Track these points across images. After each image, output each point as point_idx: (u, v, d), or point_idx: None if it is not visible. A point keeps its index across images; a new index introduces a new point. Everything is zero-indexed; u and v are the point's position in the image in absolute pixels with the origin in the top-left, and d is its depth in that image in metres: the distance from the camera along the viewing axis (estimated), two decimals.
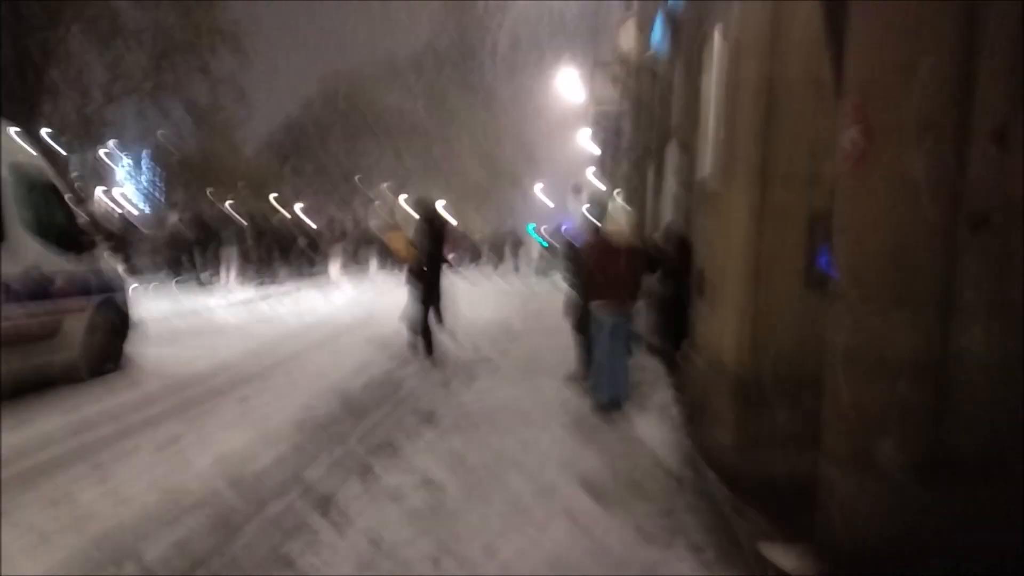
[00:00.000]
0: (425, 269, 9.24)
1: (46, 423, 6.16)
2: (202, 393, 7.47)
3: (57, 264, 7.22)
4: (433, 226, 9.49)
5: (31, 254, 6.90)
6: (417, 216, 9.73)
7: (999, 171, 3.09)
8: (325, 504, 4.66)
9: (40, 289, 6.97)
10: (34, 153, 7.62)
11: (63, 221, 7.55)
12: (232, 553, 3.98)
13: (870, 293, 3.19)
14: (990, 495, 3.12)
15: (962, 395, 3.13)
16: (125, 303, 8.50)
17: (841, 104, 3.34)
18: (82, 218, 8.26)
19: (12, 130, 7.62)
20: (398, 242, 26.53)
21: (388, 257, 26.76)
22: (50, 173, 7.66)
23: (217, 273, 18.99)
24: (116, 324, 8.23)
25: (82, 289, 7.62)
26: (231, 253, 18.87)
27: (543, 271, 27.20)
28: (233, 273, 18.89)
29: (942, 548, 3.09)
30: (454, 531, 4.23)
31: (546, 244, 29.26)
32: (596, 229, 7.69)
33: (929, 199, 3.09)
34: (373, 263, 26.82)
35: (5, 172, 6.71)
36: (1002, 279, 3.08)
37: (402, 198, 49.47)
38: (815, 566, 3.38)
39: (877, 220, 3.17)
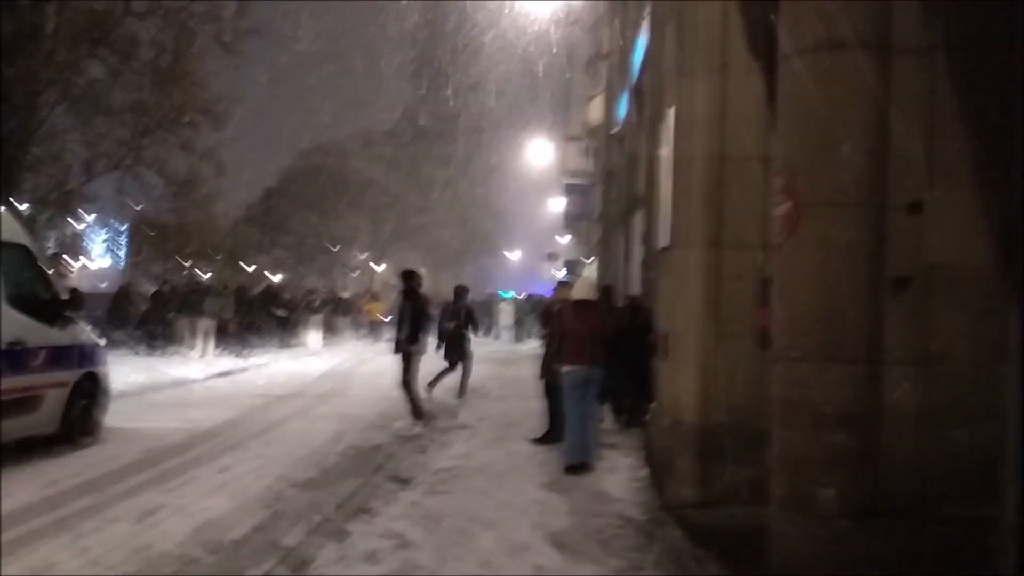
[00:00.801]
0: (412, 338, 9.59)
1: (26, 495, 6.22)
2: (181, 464, 7.56)
3: (40, 337, 7.38)
4: (418, 297, 9.87)
5: (15, 328, 7.07)
6: (402, 286, 10.16)
7: (916, 238, 3.43)
8: (303, 568, 4.79)
9: (23, 363, 7.12)
10: (19, 229, 7.83)
11: (45, 295, 7.73)
12: None
13: (806, 351, 3.49)
14: (924, 538, 3.36)
15: (895, 444, 3.41)
16: (105, 375, 8.63)
17: (773, 181, 3.70)
18: (63, 291, 8.43)
19: None
20: (374, 310, 27.84)
21: (362, 326, 27.29)
22: (33, 248, 7.88)
23: (195, 344, 19.03)
24: (96, 396, 8.35)
25: (64, 362, 7.76)
26: (209, 324, 18.94)
27: (519, 337, 27.45)
28: (211, 343, 18.94)
29: None
30: None
31: (521, 309, 29.55)
32: (565, 294, 8.02)
33: (854, 265, 3.42)
34: (348, 332, 27.09)
35: None
36: (924, 336, 3.38)
37: (379, 268, 49.89)
38: None
39: (809, 285, 3.50)
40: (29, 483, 6.59)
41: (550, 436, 8.24)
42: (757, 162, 5.39)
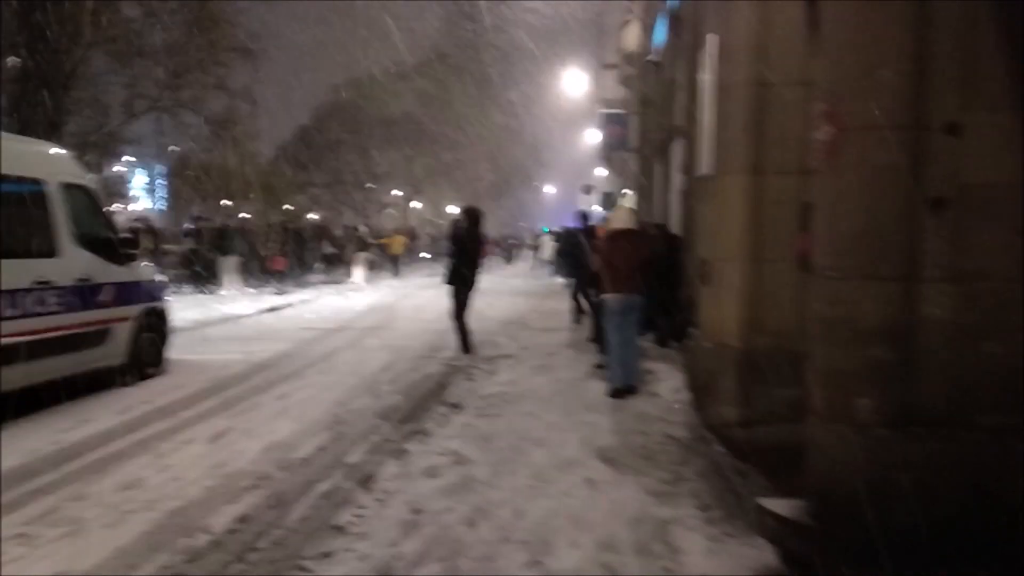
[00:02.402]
0: (466, 270, 9.86)
1: (105, 421, 6.70)
2: (243, 391, 8.00)
3: (105, 274, 7.77)
4: (476, 231, 10.24)
5: (82, 266, 7.45)
6: (461, 222, 10.38)
7: (954, 159, 3.53)
8: (367, 482, 5.15)
9: (91, 298, 7.52)
10: (81, 172, 8.15)
11: (107, 234, 8.09)
12: (289, 524, 4.46)
13: (844, 269, 3.65)
14: (956, 445, 3.56)
15: (929, 357, 3.58)
16: (165, 310, 9.06)
17: (815, 106, 3.80)
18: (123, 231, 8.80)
19: (62, 152, 8.20)
20: (397, 243, 29.21)
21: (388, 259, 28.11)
22: (95, 190, 8.20)
23: (240, 281, 19.63)
24: (159, 329, 8.79)
25: (127, 297, 8.16)
26: (236, 261, 19.51)
27: (557, 270, 27.68)
28: (238, 279, 19.54)
29: (915, 492, 3.53)
30: (486, 498, 4.71)
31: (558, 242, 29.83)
32: (604, 223, 8.18)
33: (892, 186, 3.54)
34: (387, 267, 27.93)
35: (57, 192, 7.25)
36: (959, 253, 3.52)
37: (414, 204, 50.15)
38: (807, 511, 3.84)
39: (849, 206, 3.63)
40: (105, 410, 7.07)
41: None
42: (799, 87, 5.42)
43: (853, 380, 3.66)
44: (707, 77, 6.47)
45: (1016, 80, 3.49)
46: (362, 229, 29.37)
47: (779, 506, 4.02)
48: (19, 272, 6.63)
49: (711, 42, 6.32)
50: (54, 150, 8.18)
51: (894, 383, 3.60)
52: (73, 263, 7.35)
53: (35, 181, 7.10)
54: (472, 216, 10.32)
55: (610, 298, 7.61)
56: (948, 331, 3.56)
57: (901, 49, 3.48)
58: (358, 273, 24.38)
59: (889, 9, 3.48)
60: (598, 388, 7.80)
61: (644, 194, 16.71)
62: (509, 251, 42.03)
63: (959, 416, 3.58)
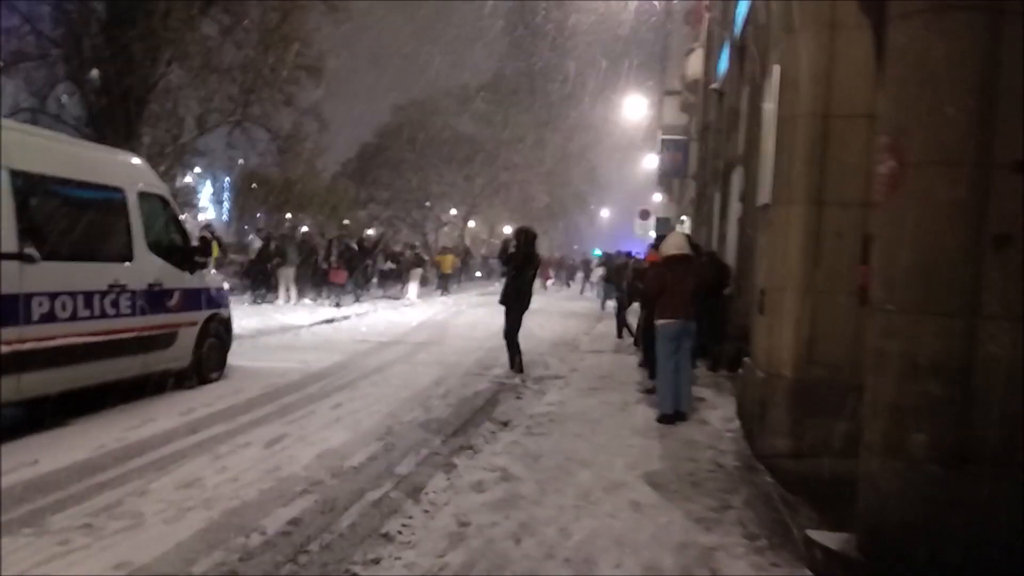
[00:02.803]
0: (520, 290, 9.97)
1: (167, 422, 6.95)
2: (299, 399, 8.20)
3: (175, 280, 8.08)
4: (532, 253, 10.34)
5: (154, 272, 7.77)
6: (513, 242, 10.49)
7: (1019, 197, 3.50)
8: (416, 493, 5.25)
9: (161, 303, 7.83)
10: (158, 181, 8.52)
11: (179, 242, 8.42)
12: (339, 530, 4.58)
13: (903, 303, 3.63)
14: (1011, 486, 3.50)
15: (987, 395, 3.53)
16: (229, 317, 9.36)
17: (878, 140, 3.80)
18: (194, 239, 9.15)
19: (140, 162, 8.58)
20: (446, 263, 29.13)
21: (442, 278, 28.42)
22: (170, 198, 8.56)
23: (299, 292, 20.11)
24: (222, 336, 9.09)
25: (194, 303, 8.48)
26: (291, 271, 19.98)
27: (609, 293, 27.66)
28: (294, 290, 20.00)
29: (967, 531, 3.48)
30: (532, 515, 4.76)
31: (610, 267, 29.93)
32: (658, 249, 8.20)
33: (955, 221, 3.52)
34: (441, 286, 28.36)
35: (134, 199, 7.60)
36: (1021, 291, 3.48)
37: (471, 223, 50.61)
38: (856, 545, 3.80)
39: (909, 241, 3.62)
40: (169, 411, 7.34)
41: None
42: (862, 120, 5.42)
43: (908, 415, 3.62)
44: (769, 107, 6.49)
45: None
46: (417, 246, 29.86)
47: (827, 539, 3.98)
48: (96, 275, 6.96)
49: (774, 72, 6.34)
50: (134, 160, 8.57)
51: (950, 420, 3.56)
52: (146, 268, 7.68)
53: (115, 189, 7.46)
54: (526, 237, 10.43)
55: (664, 323, 7.61)
56: (1007, 370, 3.50)
57: (967, 84, 3.47)
58: (412, 289, 24.74)
59: (955, 43, 3.48)
60: (647, 413, 7.80)
61: (701, 221, 16.64)
62: (571, 272, 42.15)
63: (1015, 457, 3.52)
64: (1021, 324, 3.51)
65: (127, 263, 7.43)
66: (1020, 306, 3.49)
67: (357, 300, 21.49)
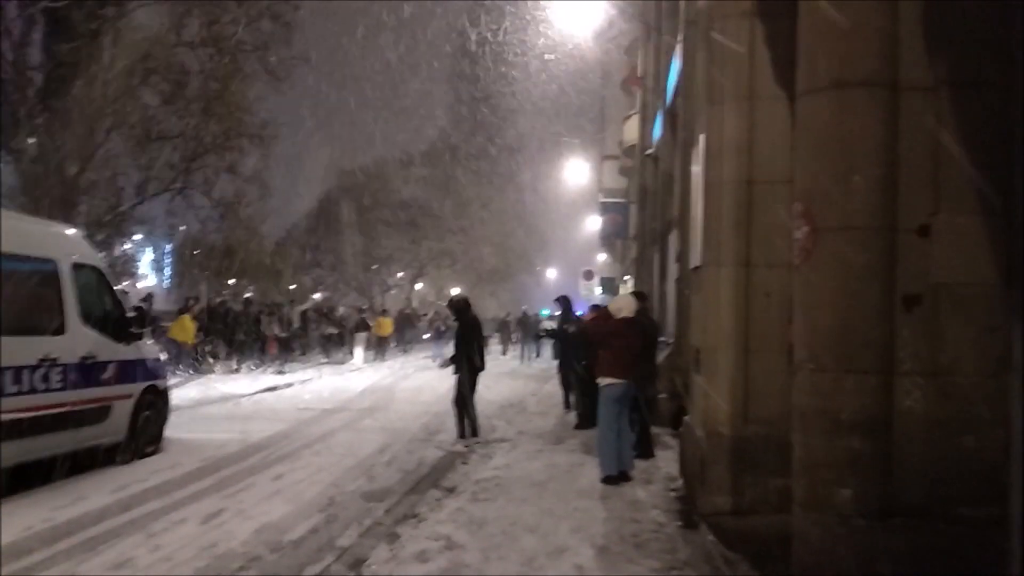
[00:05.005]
0: (469, 356, 10.06)
1: (99, 500, 6.72)
2: (238, 471, 8.02)
3: (109, 352, 7.91)
4: (467, 319, 10.47)
5: (87, 344, 7.60)
6: (454, 312, 10.68)
7: (925, 259, 3.72)
8: (358, 566, 5.16)
9: (94, 376, 7.65)
10: (92, 252, 8.40)
11: (114, 312, 8.27)
12: None
13: (824, 362, 3.79)
14: (936, 536, 3.62)
15: (906, 449, 3.68)
16: (166, 389, 9.16)
17: (792, 206, 4.01)
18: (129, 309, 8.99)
19: (74, 232, 8.46)
20: (382, 326, 28.03)
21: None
22: (105, 269, 8.43)
23: (242, 361, 19.75)
24: (159, 408, 8.87)
25: (130, 375, 8.28)
26: (253, 342, 19.67)
27: (556, 353, 27.59)
28: (257, 360, 19.64)
29: None
30: None
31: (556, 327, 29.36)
32: (601, 309, 8.34)
33: (867, 283, 3.72)
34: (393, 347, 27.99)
35: (67, 270, 7.47)
36: (933, 348, 3.67)
37: (417, 286, 50.62)
38: None
39: (826, 302, 3.80)
40: (101, 488, 7.10)
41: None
42: (783, 186, 5.67)
43: (833, 471, 3.75)
44: (698, 172, 6.75)
45: (982, 184, 3.71)
46: (365, 309, 29.56)
47: None
48: (26, 349, 6.78)
49: (700, 140, 6.62)
50: (67, 230, 8.44)
51: (873, 474, 3.69)
52: (80, 341, 7.51)
53: (47, 260, 7.33)
54: (460, 306, 10.60)
55: (609, 385, 7.66)
56: (924, 424, 3.67)
57: (870, 155, 3.71)
58: (359, 353, 24.50)
59: (857, 117, 3.72)
60: (592, 474, 7.82)
61: (642, 281, 16.97)
62: (513, 335, 37.04)
63: (939, 508, 3.65)
64: (933, 379, 3.69)
65: (59, 336, 7.26)
66: (932, 362, 3.67)
67: (299, 366, 21.19)
